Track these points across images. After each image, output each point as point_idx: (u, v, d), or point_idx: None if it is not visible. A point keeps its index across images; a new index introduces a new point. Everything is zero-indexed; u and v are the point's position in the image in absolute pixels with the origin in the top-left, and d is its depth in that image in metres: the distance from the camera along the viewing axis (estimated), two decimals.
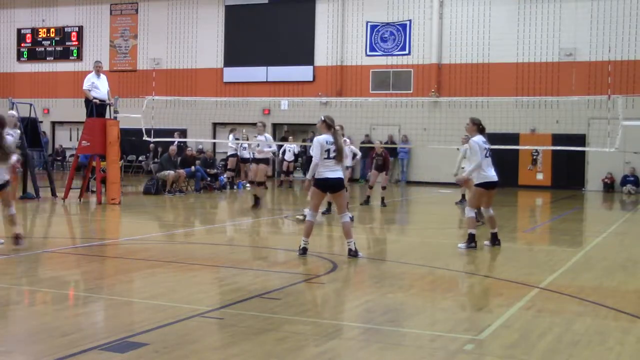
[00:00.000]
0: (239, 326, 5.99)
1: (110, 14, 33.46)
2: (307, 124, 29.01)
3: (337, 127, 10.03)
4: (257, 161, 16.98)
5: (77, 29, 33.98)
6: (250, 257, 10.09)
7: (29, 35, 34.86)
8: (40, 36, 34.64)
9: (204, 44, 31.42)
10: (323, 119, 9.81)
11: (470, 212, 11.07)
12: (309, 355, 5.30)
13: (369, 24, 28.97)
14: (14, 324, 6.09)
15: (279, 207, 19.13)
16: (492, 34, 27.25)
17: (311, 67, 29.73)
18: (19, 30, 35.05)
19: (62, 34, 34.22)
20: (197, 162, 22.07)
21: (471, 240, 10.85)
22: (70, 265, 9.12)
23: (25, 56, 35.04)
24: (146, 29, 32.70)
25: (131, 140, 25.14)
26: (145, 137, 19.66)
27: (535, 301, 7.25)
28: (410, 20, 28.41)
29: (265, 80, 30.18)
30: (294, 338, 5.71)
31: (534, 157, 26.43)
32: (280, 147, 24.93)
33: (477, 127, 11.14)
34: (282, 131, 30.84)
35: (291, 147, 25.84)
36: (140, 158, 30.84)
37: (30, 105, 19.31)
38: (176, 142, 22.21)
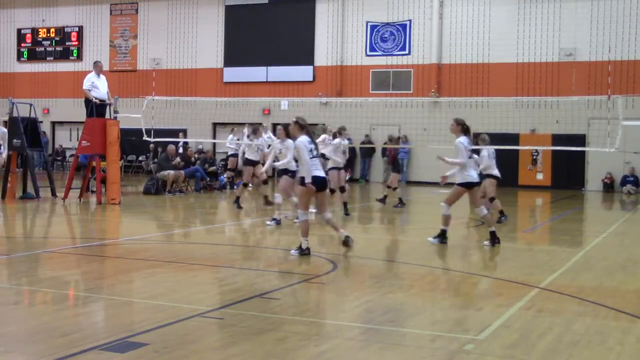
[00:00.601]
0: (239, 326, 5.99)
1: (110, 14, 33.47)
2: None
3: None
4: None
5: (77, 29, 33.98)
6: (250, 257, 10.09)
7: (29, 35, 34.87)
8: (40, 36, 34.64)
9: (204, 44, 31.42)
10: (295, 120, 10.07)
11: (446, 209, 11.12)
12: (309, 355, 5.30)
13: (369, 24, 28.97)
14: (14, 324, 6.08)
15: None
16: (492, 34, 27.24)
17: (311, 67, 29.73)
18: (19, 30, 35.05)
19: (62, 34, 34.22)
20: (197, 162, 22.07)
21: (443, 235, 11.00)
22: (70, 265, 9.12)
23: (25, 56, 35.05)
24: (146, 29, 32.70)
25: (131, 140, 25.12)
26: (145, 137, 19.65)
27: (535, 301, 7.25)
28: (410, 20, 28.41)
29: (265, 80, 30.18)
30: (294, 338, 5.71)
31: (534, 157, 26.43)
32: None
33: (462, 127, 11.17)
34: None
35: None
36: (140, 158, 30.84)
37: (30, 105, 19.31)
38: (181, 143, 22.19)
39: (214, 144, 28.79)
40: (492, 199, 14.74)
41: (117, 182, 16.97)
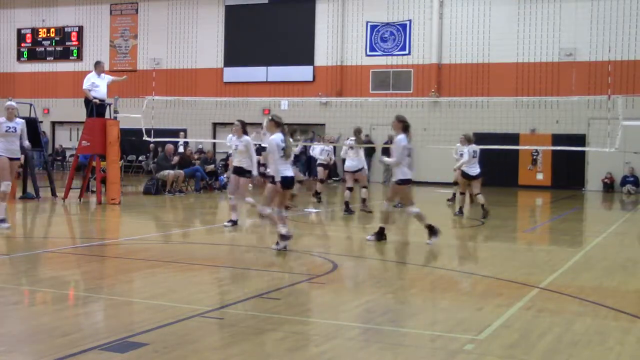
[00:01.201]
0: (239, 326, 5.98)
1: (110, 14, 33.47)
2: (307, 124, 28.99)
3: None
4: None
5: (77, 29, 33.99)
6: (250, 257, 10.09)
7: (29, 35, 34.87)
8: (40, 36, 34.65)
9: (204, 44, 31.42)
10: (271, 117, 10.22)
11: (387, 207, 11.20)
12: (309, 355, 5.30)
13: (369, 24, 28.97)
14: (14, 324, 6.08)
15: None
16: (492, 34, 27.25)
17: (311, 67, 29.73)
18: (19, 30, 35.06)
19: (62, 34, 34.23)
20: (197, 161, 22.08)
21: (381, 233, 11.03)
22: (70, 265, 9.12)
23: (25, 56, 35.05)
24: (146, 29, 32.71)
25: (131, 140, 25.13)
26: (145, 137, 19.65)
27: (535, 301, 7.25)
28: (410, 20, 28.41)
29: (265, 80, 30.18)
30: (294, 338, 5.71)
31: (534, 157, 26.44)
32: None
33: (403, 124, 11.20)
34: None
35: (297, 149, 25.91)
36: (140, 158, 30.83)
37: (30, 105, 19.31)
38: (181, 142, 22.20)
39: (214, 144, 28.78)
40: (462, 193, 16.10)
41: (117, 182, 16.97)
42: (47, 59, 34.55)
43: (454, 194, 18.15)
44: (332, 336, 5.82)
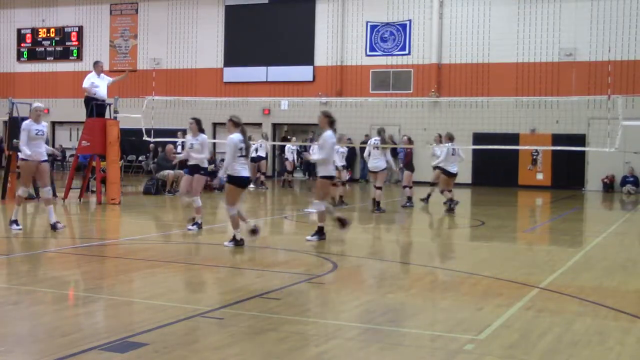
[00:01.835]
0: (239, 326, 5.99)
1: (110, 14, 33.47)
2: (307, 124, 28.97)
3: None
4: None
5: (77, 29, 33.98)
6: (250, 257, 10.09)
7: (29, 35, 34.87)
8: (40, 36, 34.64)
9: (204, 44, 31.42)
10: (230, 118, 10.62)
11: (319, 206, 11.16)
12: (309, 355, 5.30)
13: (369, 24, 28.97)
14: (14, 324, 6.08)
15: (279, 207, 19.13)
16: (492, 34, 27.24)
17: (311, 67, 29.73)
18: (19, 30, 35.05)
19: (62, 34, 34.23)
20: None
21: (320, 232, 11.00)
22: (70, 265, 9.12)
23: (25, 56, 35.05)
24: (146, 29, 32.70)
25: (131, 140, 25.13)
26: (145, 137, 19.64)
27: (535, 301, 7.25)
28: (410, 20, 28.41)
29: (265, 80, 30.17)
30: (294, 338, 5.71)
31: (534, 157, 26.44)
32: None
33: (328, 120, 11.29)
34: (282, 131, 30.88)
35: (294, 148, 25.94)
36: (140, 158, 30.84)
37: (31, 105, 19.26)
38: (180, 142, 22.14)
39: (214, 143, 28.78)
40: (442, 191, 16.62)
41: (117, 182, 16.97)
42: (47, 59, 34.54)
43: (429, 195, 18.36)
44: (332, 336, 5.82)
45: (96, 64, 17.53)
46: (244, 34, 30.58)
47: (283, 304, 6.88)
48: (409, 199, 17.57)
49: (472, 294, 7.85)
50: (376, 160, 16.22)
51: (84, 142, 17.13)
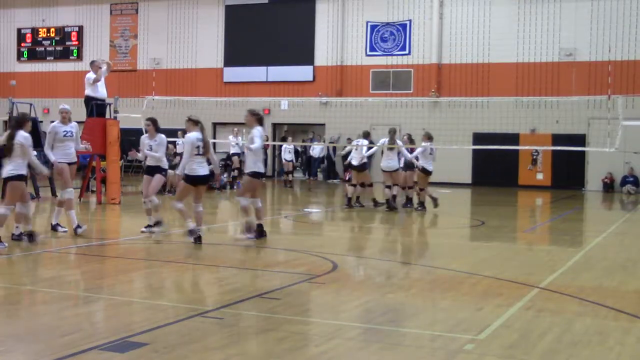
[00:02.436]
0: (239, 326, 5.99)
1: (110, 14, 33.46)
2: (307, 124, 29.01)
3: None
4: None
5: (77, 28, 33.98)
6: (250, 257, 10.09)
7: (29, 35, 34.86)
8: (40, 36, 34.64)
9: (204, 44, 31.42)
10: (188, 117, 10.87)
11: (244, 201, 11.37)
12: (309, 355, 5.30)
13: (369, 24, 28.96)
14: (14, 324, 6.09)
15: (280, 206, 19.13)
16: (492, 34, 27.23)
17: (311, 67, 29.72)
18: (19, 30, 35.05)
19: (62, 33, 34.23)
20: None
21: (260, 232, 11.17)
22: (70, 265, 9.12)
23: (25, 56, 35.04)
24: (146, 29, 32.70)
25: (131, 140, 25.10)
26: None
27: (535, 301, 7.25)
28: (410, 20, 28.40)
29: (265, 80, 30.16)
30: (294, 338, 5.71)
31: (534, 157, 26.44)
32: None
33: (256, 117, 11.42)
34: (282, 131, 30.88)
35: (291, 147, 25.92)
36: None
37: (31, 105, 19.30)
38: (180, 142, 22.14)
39: (214, 143, 28.76)
40: (422, 189, 16.76)
41: (117, 182, 16.98)
42: (47, 58, 34.54)
43: (409, 199, 18.00)
44: (332, 336, 5.82)
45: (92, 64, 17.54)
46: (244, 34, 30.57)
47: (283, 304, 6.88)
48: (409, 199, 17.56)
49: (472, 294, 7.85)
50: (389, 160, 16.31)
51: (84, 142, 17.09)
